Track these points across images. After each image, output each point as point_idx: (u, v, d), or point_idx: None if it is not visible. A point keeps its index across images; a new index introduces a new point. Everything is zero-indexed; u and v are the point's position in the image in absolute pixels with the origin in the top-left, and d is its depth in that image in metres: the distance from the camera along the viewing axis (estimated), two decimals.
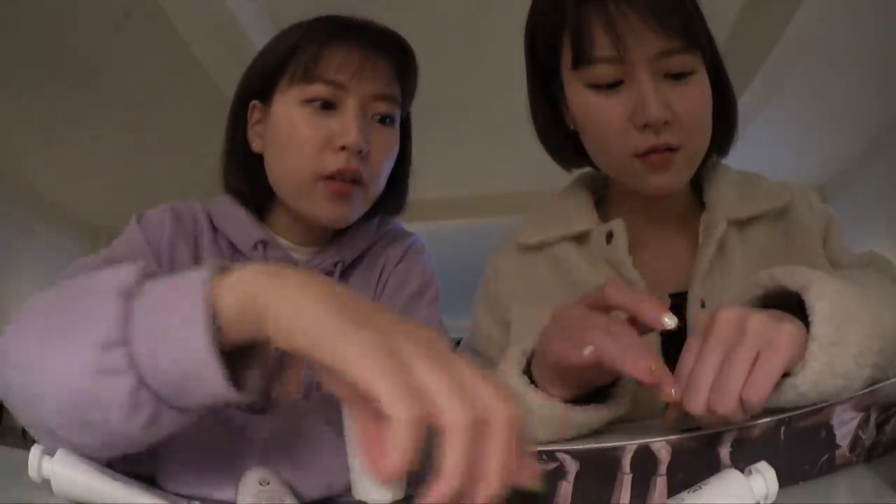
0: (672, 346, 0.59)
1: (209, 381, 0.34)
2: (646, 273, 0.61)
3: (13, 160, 3.43)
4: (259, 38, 0.69)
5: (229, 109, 0.70)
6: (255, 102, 0.67)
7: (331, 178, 0.62)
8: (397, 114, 0.67)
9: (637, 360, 0.39)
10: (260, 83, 0.66)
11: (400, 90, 0.67)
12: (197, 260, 0.65)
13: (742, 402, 0.38)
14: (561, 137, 0.66)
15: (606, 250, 0.63)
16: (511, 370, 0.49)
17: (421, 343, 0.30)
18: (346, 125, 0.61)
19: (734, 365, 0.38)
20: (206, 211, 0.70)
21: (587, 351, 0.40)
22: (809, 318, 0.40)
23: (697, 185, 0.67)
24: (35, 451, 0.42)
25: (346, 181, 0.62)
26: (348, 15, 0.67)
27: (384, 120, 0.65)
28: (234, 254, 0.69)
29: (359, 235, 0.72)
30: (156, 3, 2.06)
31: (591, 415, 0.47)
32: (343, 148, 0.61)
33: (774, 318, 0.40)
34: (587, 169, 0.72)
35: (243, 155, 0.68)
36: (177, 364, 0.33)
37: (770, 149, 3.37)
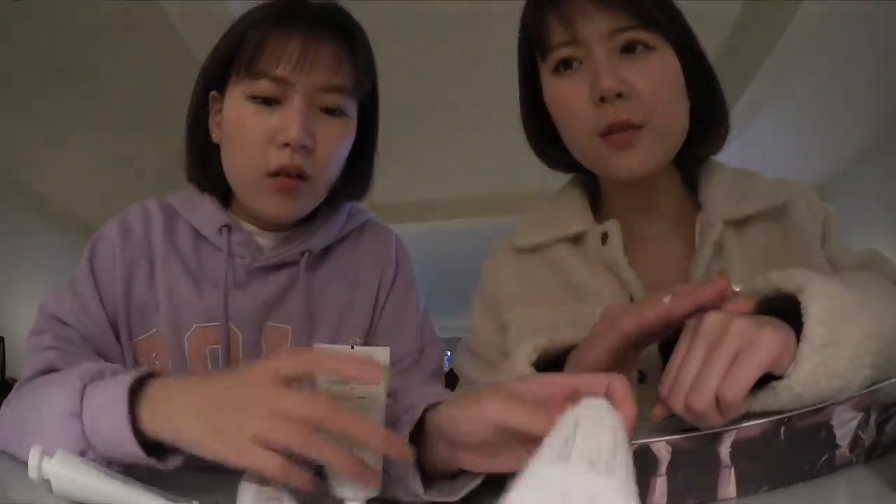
0: (670, 347, 0.59)
1: (137, 455, 0.45)
2: (642, 273, 0.61)
3: (13, 160, 3.43)
4: None
5: (190, 105, 0.69)
6: (214, 93, 0.67)
7: (276, 174, 0.61)
8: (348, 102, 0.65)
9: None
10: (216, 73, 0.66)
11: (351, 74, 0.64)
12: (153, 268, 0.66)
13: (718, 401, 0.38)
14: (545, 139, 0.67)
15: (602, 251, 0.63)
16: (523, 371, 0.50)
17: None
18: (289, 121, 0.60)
19: (712, 363, 0.39)
20: (164, 202, 0.71)
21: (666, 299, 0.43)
22: (803, 320, 0.40)
23: (693, 184, 0.68)
24: (35, 451, 0.42)
25: (290, 177, 0.62)
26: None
27: (333, 111, 0.64)
28: (198, 240, 0.69)
29: (329, 223, 0.72)
30: (156, 3, 2.06)
31: None
32: (286, 144, 0.61)
33: (759, 321, 0.40)
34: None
35: (202, 145, 0.68)
36: (119, 448, 0.46)
37: (771, 147, 3.37)
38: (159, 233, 0.68)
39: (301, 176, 0.62)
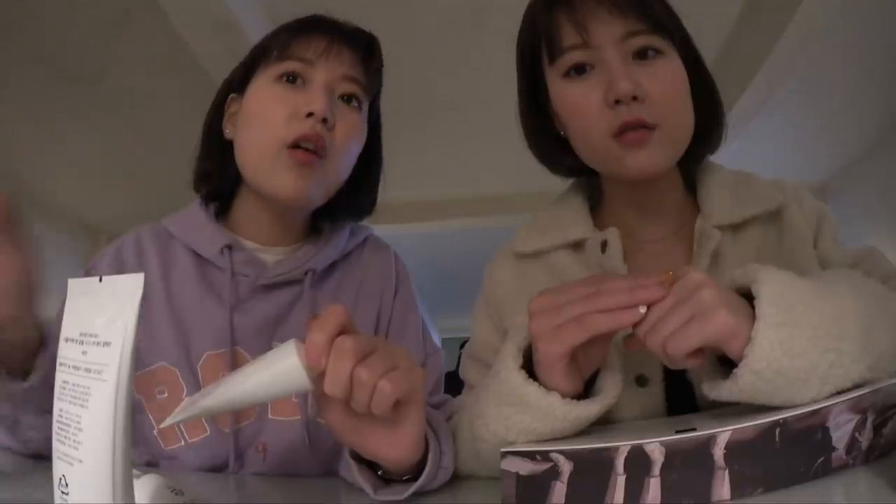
0: None
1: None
2: None
3: (13, 160, 3.43)
4: (259, 37, 0.71)
5: (210, 106, 0.72)
6: (232, 96, 0.71)
7: (296, 146, 0.63)
8: (363, 99, 0.69)
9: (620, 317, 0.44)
10: (239, 77, 0.70)
11: (364, 77, 0.69)
12: (148, 304, 0.66)
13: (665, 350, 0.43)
14: (548, 141, 0.67)
15: (601, 259, 0.63)
16: (509, 367, 0.50)
17: None
18: (314, 96, 0.64)
19: (669, 317, 0.43)
20: (159, 227, 0.72)
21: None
22: (755, 304, 0.43)
23: (692, 187, 0.68)
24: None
25: (310, 150, 0.63)
26: (334, 16, 0.71)
27: (350, 100, 0.68)
28: (199, 262, 0.69)
29: (332, 242, 0.73)
30: (156, 2, 2.06)
31: (586, 408, 0.47)
32: (310, 115, 0.63)
33: (727, 298, 0.43)
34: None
35: (217, 142, 0.71)
36: None
37: (772, 146, 3.37)
38: (155, 266, 0.68)
39: (320, 152, 0.64)
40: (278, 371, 0.41)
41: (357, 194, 0.74)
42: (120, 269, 0.68)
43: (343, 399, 0.42)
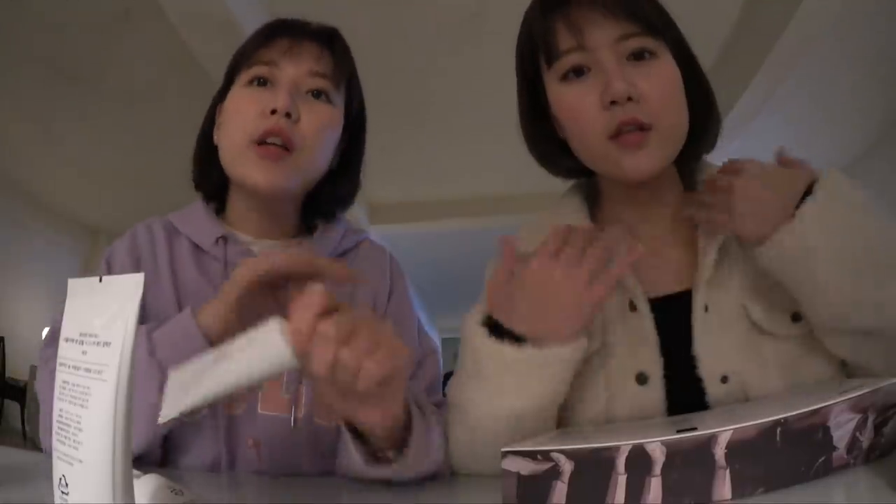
0: (671, 345, 0.59)
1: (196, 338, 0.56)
2: (642, 278, 0.62)
3: (13, 159, 3.44)
4: None
5: (205, 114, 0.77)
6: (219, 106, 0.75)
7: (261, 143, 0.67)
8: (332, 90, 0.73)
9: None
10: (222, 88, 0.75)
11: (331, 64, 0.73)
12: (159, 291, 0.69)
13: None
14: (548, 144, 0.68)
15: None
16: (476, 331, 0.53)
17: None
18: (277, 93, 0.69)
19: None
20: (165, 220, 0.76)
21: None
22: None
23: (691, 187, 0.68)
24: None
25: (276, 145, 0.67)
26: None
27: (318, 95, 0.72)
28: (198, 254, 0.72)
29: (325, 239, 0.76)
30: (156, 2, 2.06)
31: (563, 350, 0.52)
32: (273, 112, 0.67)
33: (771, 200, 0.57)
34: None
35: (207, 148, 0.75)
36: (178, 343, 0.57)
37: (773, 144, 3.36)
38: (164, 258, 0.71)
39: (286, 147, 0.67)
40: (264, 352, 0.41)
41: (337, 184, 0.77)
42: (135, 254, 0.71)
43: (330, 377, 0.43)
